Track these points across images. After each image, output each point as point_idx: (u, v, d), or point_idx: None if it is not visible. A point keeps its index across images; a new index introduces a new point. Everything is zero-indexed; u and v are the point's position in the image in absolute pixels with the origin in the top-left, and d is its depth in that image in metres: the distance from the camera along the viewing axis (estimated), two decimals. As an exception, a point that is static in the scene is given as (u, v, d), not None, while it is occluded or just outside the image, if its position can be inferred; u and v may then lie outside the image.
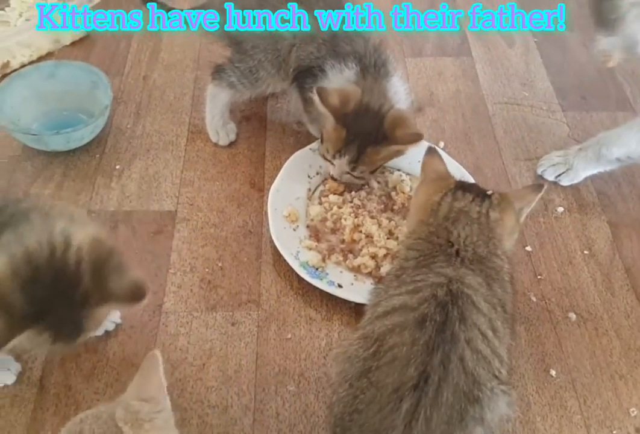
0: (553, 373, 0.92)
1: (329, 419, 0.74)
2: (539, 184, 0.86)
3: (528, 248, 1.08)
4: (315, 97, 1.00)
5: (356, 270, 1.02)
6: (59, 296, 0.67)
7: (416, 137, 1.00)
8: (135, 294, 0.71)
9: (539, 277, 1.04)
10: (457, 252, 0.75)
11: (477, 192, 0.81)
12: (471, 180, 1.10)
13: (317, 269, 1.01)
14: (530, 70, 1.42)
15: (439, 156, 0.89)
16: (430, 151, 0.89)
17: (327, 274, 1.00)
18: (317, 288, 0.98)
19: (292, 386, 0.88)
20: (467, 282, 0.71)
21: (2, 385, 0.86)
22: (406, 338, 0.67)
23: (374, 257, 1.02)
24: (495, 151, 1.25)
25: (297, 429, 0.84)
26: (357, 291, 0.96)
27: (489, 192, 0.82)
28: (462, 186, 0.82)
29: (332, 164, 1.07)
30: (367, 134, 1.01)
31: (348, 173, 1.07)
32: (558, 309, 1.00)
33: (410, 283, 0.73)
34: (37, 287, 0.66)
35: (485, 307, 0.71)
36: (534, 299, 1.01)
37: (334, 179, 1.11)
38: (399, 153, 1.06)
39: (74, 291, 0.68)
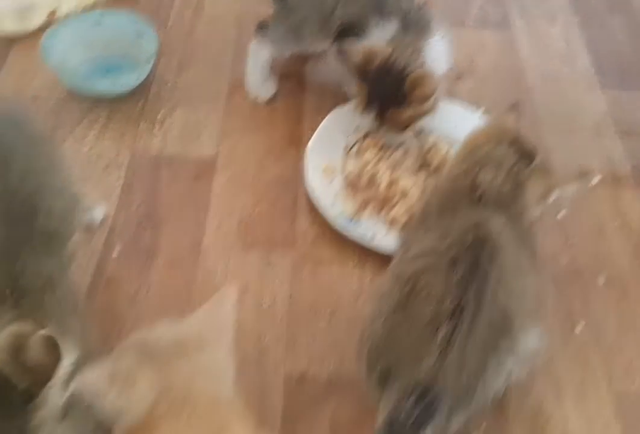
0: (578, 330, 0.94)
1: (361, 351, 0.76)
2: (586, 171, 0.85)
3: (560, 214, 1.09)
4: (343, 54, 1.00)
5: (390, 223, 1.04)
6: None
7: (429, 94, 0.99)
8: None
9: (569, 242, 1.06)
10: (481, 195, 0.76)
11: (525, 153, 0.80)
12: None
13: (351, 220, 1.03)
14: (571, 48, 1.42)
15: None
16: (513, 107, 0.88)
17: (361, 225, 1.03)
18: (351, 238, 1.00)
19: (324, 322, 0.91)
20: (493, 224, 0.74)
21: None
22: (439, 277, 0.70)
23: (408, 211, 1.04)
24: (532, 123, 1.25)
25: (327, 360, 0.87)
26: (389, 242, 0.98)
27: (535, 163, 0.80)
28: (517, 142, 0.82)
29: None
30: (388, 95, 1.01)
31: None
32: (587, 272, 1.01)
33: (436, 229, 0.76)
34: None
35: (512, 247, 0.73)
36: (564, 261, 1.03)
37: (371, 134, 1.12)
38: (425, 112, 1.05)
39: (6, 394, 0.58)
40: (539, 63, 1.38)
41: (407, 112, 1.03)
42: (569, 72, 1.36)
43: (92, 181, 1.07)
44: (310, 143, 1.12)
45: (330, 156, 1.12)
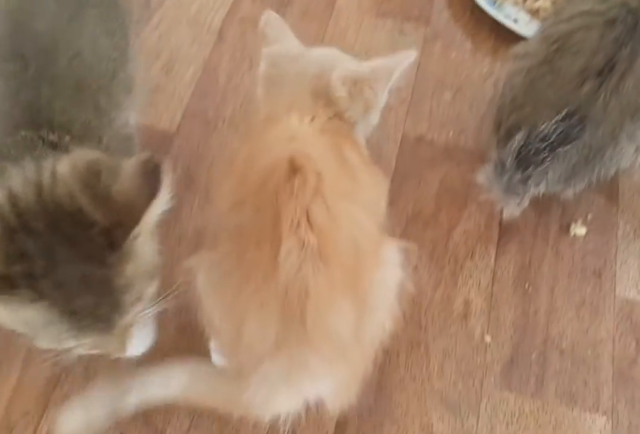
0: None
1: (490, 109, 0.76)
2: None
3: None
4: None
5: (534, 13, 0.96)
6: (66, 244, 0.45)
7: None
8: (150, 181, 0.45)
9: None
10: None
11: None
12: None
13: (494, 2, 0.96)
14: None
15: None
16: None
17: (505, 8, 0.96)
18: (490, 21, 0.94)
19: (449, 95, 0.89)
20: None
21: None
22: (594, 35, 0.67)
23: (554, 2, 0.95)
24: None
25: (447, 128, 0.86)
26: (531, 28, 0.92)
27: None
28: None
29: None
30: None
31: None
32: None
33: None
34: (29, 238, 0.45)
35: None
36: None
37: None
38: None
39: (83, 232, 0.45)
40: None
41: None
42: None
43: None
44: None
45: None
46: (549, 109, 0.66)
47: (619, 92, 0.65)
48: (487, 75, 0.92)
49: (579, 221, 0.81)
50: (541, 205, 0.79)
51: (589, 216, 0.81)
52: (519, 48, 0.76)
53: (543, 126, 0.64)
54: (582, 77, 0.65)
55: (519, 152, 0.66)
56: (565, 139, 0.64)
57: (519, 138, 0.66)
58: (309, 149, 0.50)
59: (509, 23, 0.94)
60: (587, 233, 0.80)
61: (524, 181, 0.68)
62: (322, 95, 0.57)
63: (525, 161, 0.67)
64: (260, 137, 0.55)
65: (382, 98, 0.59)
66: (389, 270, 0.54)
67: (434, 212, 0.80)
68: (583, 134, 0.64)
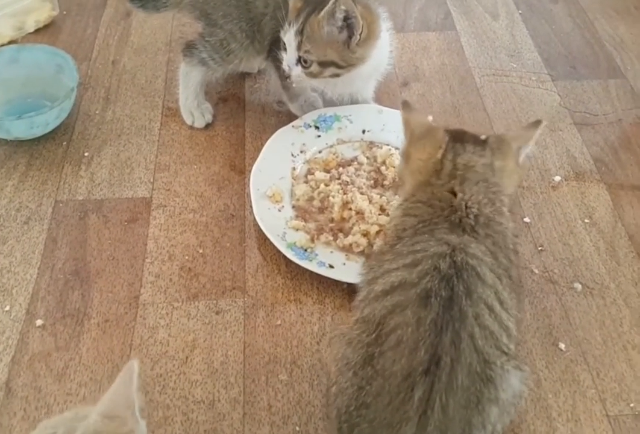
0: (562, 346, 0.86)
1: (331, 412, 0.67)
2: (537, 120, 0.79)
3: (527, 219, 1.02)
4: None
5: (347, 249, 0.95)
6: None
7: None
8: None
9: (539, 248, 0.99)
10: (461, 218, 0.68)
11: (473, 141, 0.74)
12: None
13: (305, 250, 0.94)
14: (517, 42, 1.37)
15: (416, 109, 0.82)
16: (406, 105, 0.81)
17: (316, 254, 0.94)
18: (307, 270, 0.91)
19: (284, 375, 0.81)
20: (472, 252, 0.65)
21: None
22: (410, 318, 0.61)
23: (365, 235, 0.96)
24: (486, 122, 1.19)
25: (292, 420, 0.77)
26: (349, 271, 0.90)
27: (484, 137, 0.75)
28: (456, 137, 0.75)
29: (284, 45, 0.98)
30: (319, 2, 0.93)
31: (297, 61, 0.97)
32: (562, 280, 0.94)
33: (408, 255, 0.67)
34: None
35: (491, 279, 0.65)
36: (536, 271, 0.95)
37: (286, 78, 1.01)
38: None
39: None
40: (486, 60, 1.32)
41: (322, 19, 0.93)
42: (517, 67, 1.30)
43: (12, 240, 0.96)
44: (254, 168, 1.03)
45: (276, 181, 1.03)
46: (387, 429, 0.58)
47: (454, 389, 0.58)
48: (319, 335, 0.86)
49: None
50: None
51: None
52: (336, 332, 0.69)
53: None
54: (410, 383, 0.58)
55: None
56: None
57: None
58: None
59: (324, 271, 0.91)
60: None
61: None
62: None
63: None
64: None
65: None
66: None
67: None
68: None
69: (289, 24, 0.96)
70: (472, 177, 0.71)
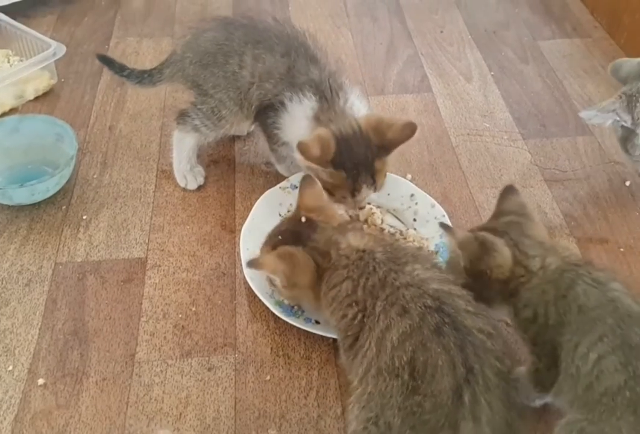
0: None
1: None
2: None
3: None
4: (297, 155, 0.98)
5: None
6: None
7: (411, 127, 1.00)
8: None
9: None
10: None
11: None
12: (441, 210, 1.12)
13: (292, 307, 0.99)
14: (490, 102, 1.46)
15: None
16: None
17: (303, 311, 0.99)
18: (294, 326, 0.96)
19: (274, 429, 0.85)
20: (433, 287, 0.77)
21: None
22: (436, 348, 0.71)
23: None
24: (461, 180, 1.27)
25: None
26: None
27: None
28: None
29: (355, 202, 1.06)
30: (365, 156, 1.01)
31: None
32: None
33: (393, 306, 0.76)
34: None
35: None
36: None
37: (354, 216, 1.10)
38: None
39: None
40: (461, 121, 1.41)
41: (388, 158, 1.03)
42: (490, 127, 1.39)
43: (14, 301, 1.01)
44: (244, 227, 1.10)
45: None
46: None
47: (490, 388, 0.70)
48: (306, 389, 0.90)
49: None
50: None
51: None
52: (355, 398, 0.76)
53: None
54: (459, 392, 0.69)
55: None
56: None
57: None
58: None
59: (310, 327, 0.96)
60: None
61: None
62: None
63: None
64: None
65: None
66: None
67: None
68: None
69: (355, 191, 1.02)
70: None
